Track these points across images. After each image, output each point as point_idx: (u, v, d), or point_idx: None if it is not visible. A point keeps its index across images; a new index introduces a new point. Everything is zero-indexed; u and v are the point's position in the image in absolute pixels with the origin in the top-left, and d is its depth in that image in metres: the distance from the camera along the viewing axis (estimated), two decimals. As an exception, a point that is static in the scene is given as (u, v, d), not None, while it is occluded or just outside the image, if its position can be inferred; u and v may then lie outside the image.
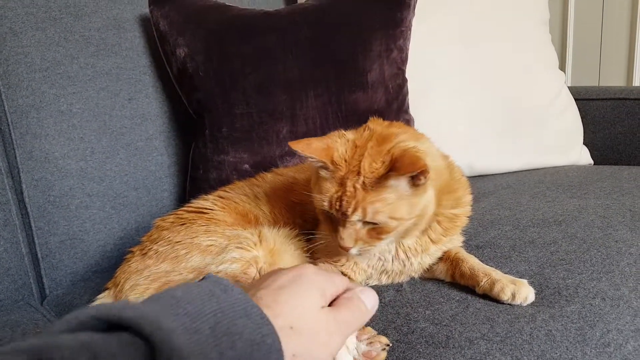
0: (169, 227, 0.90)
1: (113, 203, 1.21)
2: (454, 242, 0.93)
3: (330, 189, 0.77)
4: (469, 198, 0.92)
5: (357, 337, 0.67)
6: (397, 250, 0.86)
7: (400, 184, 0.74)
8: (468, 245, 0.99)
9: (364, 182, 0.74)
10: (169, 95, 1.35)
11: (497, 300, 0.77)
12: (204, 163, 1.22)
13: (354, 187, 0.74)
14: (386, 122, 0.85)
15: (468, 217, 0.92)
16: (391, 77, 1.28)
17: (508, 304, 0.76)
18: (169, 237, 0.87)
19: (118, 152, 1.22)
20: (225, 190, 1.01)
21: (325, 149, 0.78)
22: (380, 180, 0.74)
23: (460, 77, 1.57)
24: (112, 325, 0.41)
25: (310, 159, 0.78)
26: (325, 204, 0.77)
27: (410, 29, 1.33)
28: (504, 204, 1.24)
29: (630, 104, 1.73)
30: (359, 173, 0.75)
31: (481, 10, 1.64)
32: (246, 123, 1.19)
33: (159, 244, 0.87)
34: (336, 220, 0.78)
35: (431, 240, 0.87)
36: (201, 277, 0.51)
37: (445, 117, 1.54)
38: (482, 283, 0.79)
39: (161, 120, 1.33)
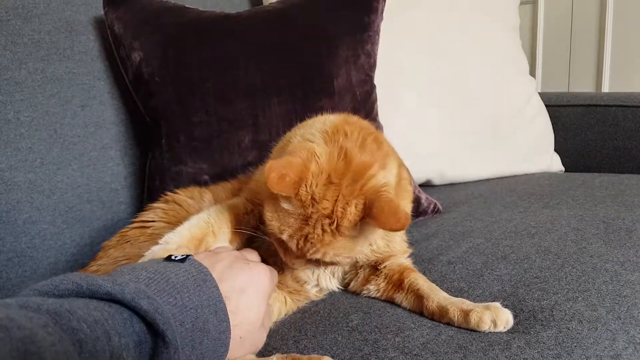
0: (115, 245, 0.85)
1: (65, 217, 1.14)
2: (394, 248, 0.88)
3: (293, 224, 0.70)
4: (409, 207, 0.88)
5: None
6: None
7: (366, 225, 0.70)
8: (439, 261, 0.95)
9: (337, 227, 0.68)
10: (125, 102, 1.28)
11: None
12: (160, 174, 1.15)
13: (322, 230, 0.68)
14: (359, 136, 0.77)
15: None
16: (359, 83, 1.23)
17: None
18: (115, 255, 0.81)
19: (70, 162, 1.15)
20: (175, 192, 0.97)
21: (296, 182, 0.68)
22: (352, 230, 0.69)
23: (430, 83, 1.53)
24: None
25: (280, 195, 0.70)
26: (285, 236, 0.70)
27: (378, 34, 1.28)
28: (475, 214, 1.21)
29: (600, 110, 1.72)
30: (330, 217, 0.68)
31: (451, 16, 1.61)
32: (205, 132, 1.12)
33: (102, 260, 0.82)
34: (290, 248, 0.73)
35: None
36: (183, 255, 0.61)
37: (415, 124, 1.50)
38: (456, 318, 0.73)
39: (117, 128, 1.26)
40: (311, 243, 0.69)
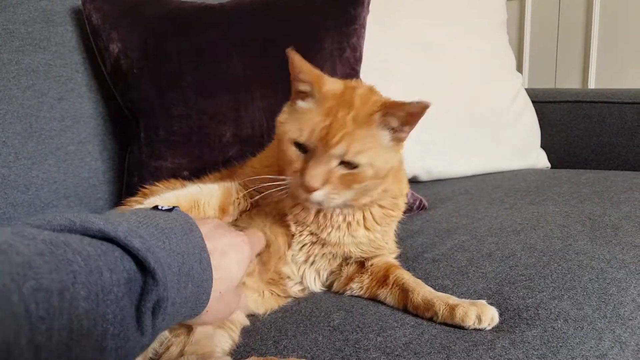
0: None
1: (40, 214, 1.10)
2: (387, 242, 0.88)
3: (313, 118, 0.73)
4: (406, 191, 0.91)
5: None
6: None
7: (384, 134, 0.74)
8: (423, 259, 0.94)
9: (355, 116, 0.72)
10: (104, 95, 1.24)
11: (459, 327, 0.70)
12: (139, 169, 1.12)
13: (345, 118, 0.72)
14: None
15: (402, 212, 0.90)
16: (344, 77, 1.19)
17: (472, 329, 0.70)
18: None
19: (46, 157, 1.12)
20: (155, 185, 0.94)
21: (318, 75, 0.76)
22: (372, 119, 0.72)
23: (416, 79, 1.51)
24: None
25: (300, 76, 0.77)
26: (305, 133, 0.72)
27: (364, 28, 1.25)
28: (461, 210, 1.19)
29: (586, 106, 1.72)
30: (351, 106, 0.73)
31: (438, 12, 1.59)
32: (185, 125, 1.09)
33: None
34: (311, 153, 0.73)
35: (366, 227, 0.83)
36: (170, 206, 0.62)
37: (401, 119, 1.48)
38: (441, 312, 0.72)
39: (95, 122, 1.22)
40: (334, 130, 0.71)
